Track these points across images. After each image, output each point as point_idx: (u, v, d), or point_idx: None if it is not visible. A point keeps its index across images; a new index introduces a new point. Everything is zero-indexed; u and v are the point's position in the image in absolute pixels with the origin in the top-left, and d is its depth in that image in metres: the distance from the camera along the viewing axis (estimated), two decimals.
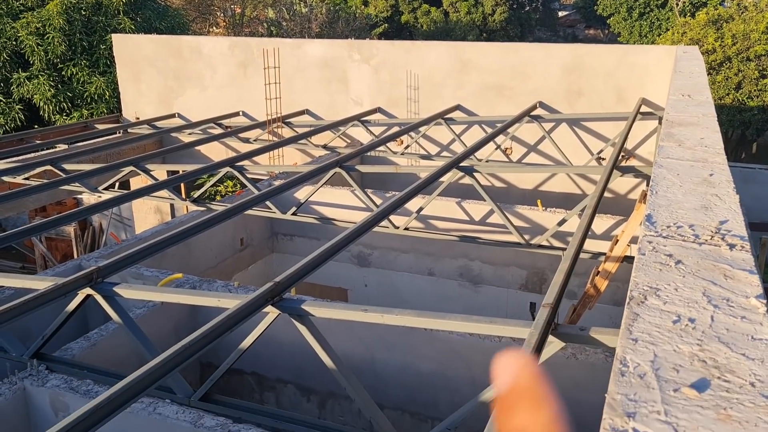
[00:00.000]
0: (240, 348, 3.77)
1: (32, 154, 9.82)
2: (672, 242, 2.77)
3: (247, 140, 10.70)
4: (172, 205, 11.74)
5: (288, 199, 8.29)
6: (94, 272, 4.07)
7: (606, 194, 7.26)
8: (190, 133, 11.31)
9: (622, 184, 9.82)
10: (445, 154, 10.91)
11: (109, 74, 14.67)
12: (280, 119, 11.09)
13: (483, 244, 7.00)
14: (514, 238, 6.38)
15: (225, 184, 13.00)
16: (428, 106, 10.94)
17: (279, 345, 5.44)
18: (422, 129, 10.38)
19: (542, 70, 10.27)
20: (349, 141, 11.46)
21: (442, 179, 6.47)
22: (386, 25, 32.52)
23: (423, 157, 10.13)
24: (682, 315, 2.02)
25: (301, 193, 8.57)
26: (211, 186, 9.73)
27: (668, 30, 27.79)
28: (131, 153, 10.88)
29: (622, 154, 7.76)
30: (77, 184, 7.20)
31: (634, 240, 4.84)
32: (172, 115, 12.71)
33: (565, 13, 50.67)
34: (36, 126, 13.90)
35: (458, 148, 10.26)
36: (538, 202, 8.29)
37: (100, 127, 12.10)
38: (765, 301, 2.16)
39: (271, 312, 3.60)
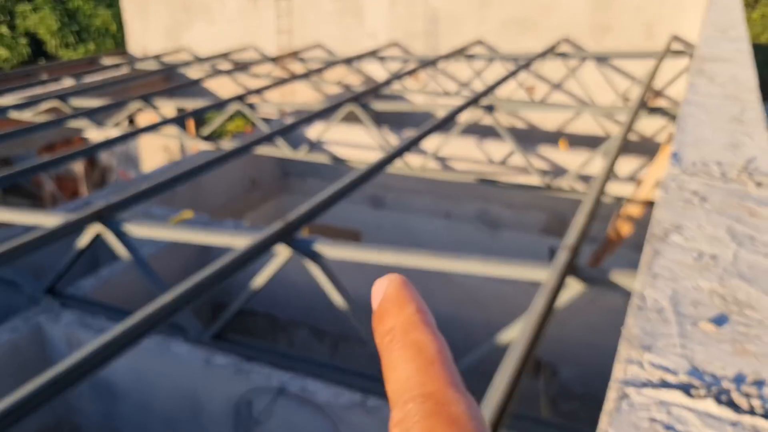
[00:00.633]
0: (252, 288, 3.73)
1: (39, 90, 9.67)
2: (697, 180, 2.69)
3: (257, 76, 10.47)
4: (180, 144, 11.63)
5: (299, 137, 8.15)
6: (103, 209, 4.01)
7: (631, 136, 7.07)
8: (198, 69, 11.08)
9: (648, 125, 9.53)
10: (464, 92, 10.64)
11: (115, 7, 14.33)
12: (291, 54, 10.82)
13: (502, 187, 6.86)
14: (535, 180, 6.24)
15: (235, 121, 12.83)
16: (447, 41, 10.59)
17: (291, 286, 5.43)
18: (441, 65, 10.09)
19: (568, 3, 9.85)
20: (363, 78, 11.19)
21: (460, 118, 6.29)
22: None
23: (441, 94, 9.87)
24: (704, 252, 1.99)
25: (313, 132, 8.42)
26: (221, 124, 9.58)
27: None
28: (139, 89, 10.69)
29: (649, 94, 7.50)
30: (85, 121, 7.09)
31: (658, 183, 4.70)
32: (180, 50, 12.44)
33: None
34: (42, 61, 13.68)
35: (478, 86, 9.99)
36: (561, 143, 8.08)
37: (107, 62, 11.88)
38: None
39: (283, 251, 3.53)
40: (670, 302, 1.70)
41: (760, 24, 19.25)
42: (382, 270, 4.81)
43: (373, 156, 7.47)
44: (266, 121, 7.67)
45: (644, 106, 5.73)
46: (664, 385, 1.39)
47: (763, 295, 1.75)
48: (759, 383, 1.41)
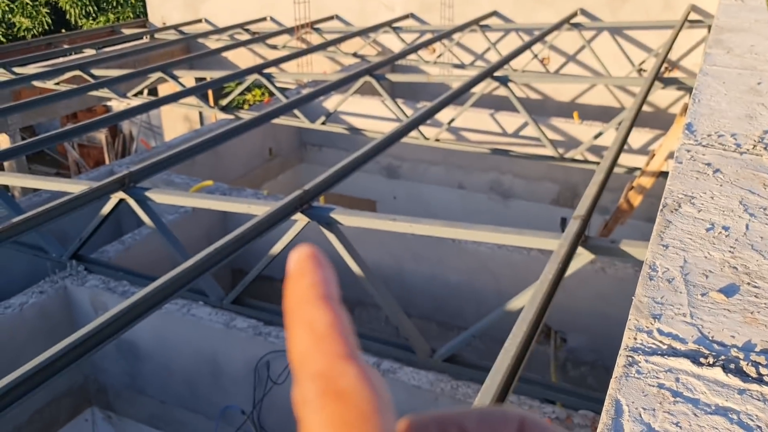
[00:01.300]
0: (270, 254, 3.82)
1: (61, 59, 9.77)
2: (711, 151, 2.69)
3: (274, 47, 10.47)
4: (200, 113, 11.71)
5: (317, 108, 8.19)
6: (126, 177, 4.11)
7: (646, 108, 7.01)
8: (217, 39, 11.10)
9: (663, 97, 9.43)
10: (479, 63, 10.56)
11: None
12: (308, 25, 10.79)
13: (515, 157, 6.87)
14: (548, 151, 6.24)
15: (253, 92, 12.87)
16: (463, 12, 10.49)
17: None
18: (456, 36, 10.01)
19: None
20: (379, 49, 11.15)
21: (475, 89, 6.29)
22: None
23: (456, 66, 9.82)
24: (716, 223, 2.01)
25: (330, 103, 8.45)
26: (239, 94, 9.64)
27: None
28: (158, 59, 10.75)
29: (665, 65, 7.41)
30: (106, 90, 7.18)
31: (672, 155, 4.70)
32: (199, 21, 12.44)
33: None
34: (63, 30, 13.77)
35: (493, 57, 9.91)
36: (575, 114, 8.03)
37: (127, 32, 11.94)
38: None
39: (300, 219, 3.61)
40: (680, 272, 1.72)
41: None
42: (396, 238, 4.90)
43: (389, 126, 7.50)
44: (284, 91, 7.71)
45: (659, 78, 5.68)
46: (673, 353, 1.41)
47: None
48: None
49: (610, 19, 9.73)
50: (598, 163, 4.08)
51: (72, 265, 4.56)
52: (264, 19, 11.90)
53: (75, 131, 5.61)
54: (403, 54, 8.10)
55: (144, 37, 11.76)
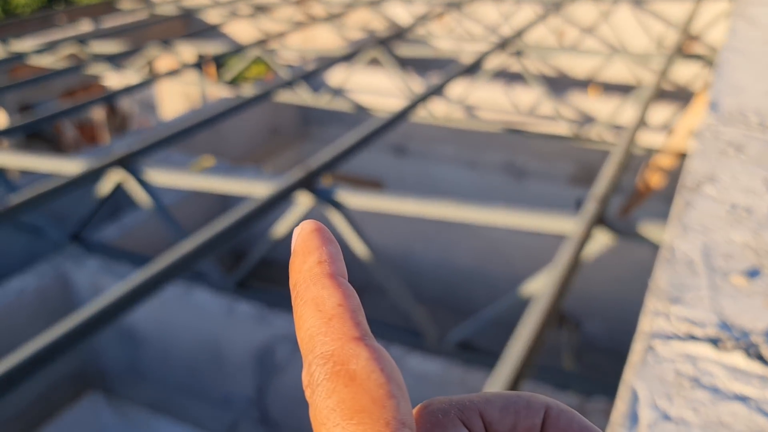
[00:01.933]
0: (273, 236, 3.71)
1: (58, 35, 9.60)
2: (734, 129, 2.62)
3: (277, 20, 10.27)
4: (201, 90, 11.54)
5: (321, 84, 8.02)
6: (125, 156, 4.00)
7: (665, 84, 6.83)
8: (217, 13, 10.90)
9: (683, 72, 9.20)
10: (491, 36, 10.34)
11: None
12: None
13: (529, 136, 6.71)
14: (563, 129, 6.08)
15: (255, 67, 12.70)
16: None
17: None
18: (467, 9, 9.78)
19: None
20: (387, 22, 10.91)
21: (486, 64, 6.11)
22: None
23: (467, 39, 9.59)
24: (737, 204, 1.95)
25: (335, 78, 8.27)
26: (241, 70, 9.47)
27: None
28: (157, 34, 10.56)
29: (685, 39, 7.19)
30: (104, 66, 7.03)
31: (692, 133, 4.55)
32: None
33: None
34: (61, 5, 13.55)
35: (506, 31, 9.70)
36: (591, 90, 7.84)
37: (125, 6, 11.74)
38: None
39: (304, 199, 3.49)
40: (700, 255, 1.68)
41: None
42: (404, 219, 4.78)
43: (397, 103, 7.34)
44: (287, 66, 7.54)
45: (679, 53, 5.51)
46: (691, 338, 1.38)
47: None
48: None
49: None
50: (615, 142, 3.94)
51: (71, 246, 4.47)
52: None
53: (73, 110, 5.49)
54: (412, 27, 7.90)
55: (142, 11, 11.56)
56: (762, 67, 3.45)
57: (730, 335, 1.38)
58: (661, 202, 6.33)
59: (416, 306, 3.50)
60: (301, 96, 7.05)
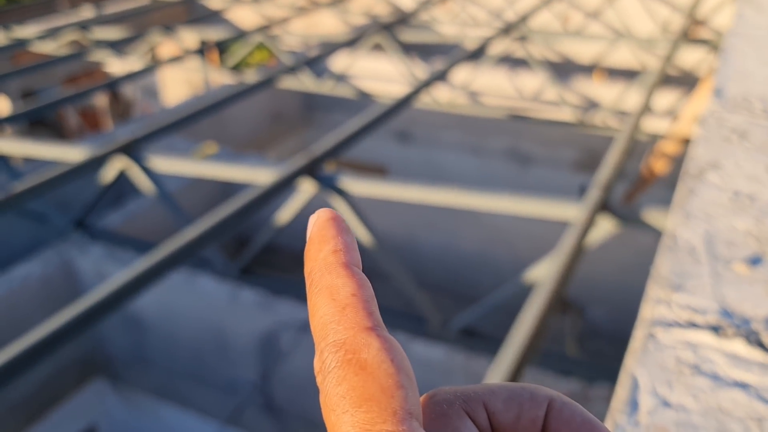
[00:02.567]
0: (277, 223, 3.72)
1: (59, 20, 9.57)
2: (738, 116, 2.61)
3: (280, 6, 10.22)
4: (203, 76, 11.51)
5: (324, 70, 7.99)
6: (128, 143, 4.00)
7: (670, 69, 6.78)
8: None
9: (688, 57, 9.14)
10: (495, 22, 10.27)
11: None
12: None
13: (533, 122, 6.68)
14: (568, 115, 6.06)
15: (257, 53, 12.65)
16: None
17: None
18: None
19: None
20: (390, 7, 10.85)
21: (491, 50, 6.08)
22: None
23: (471, 24, 9.53)
24: (740, 191, 1.95)
25: (339, 64, 8.24)
26: (244, 56, 9.43)
27: None
28: (160, 19, 10.52)
29: (691, 24, 7.13)
30: (107, 52, 7.01)
31: (697, 120, 4.52)
32: None
33: None
34: None
35: (510, 16, 9.64)
36: (595, 76, 7.80)
37: None
38: None
39: (307, 186, 3.49)
40: (702, 242, 1.68)
41: None
42: (408, 205, 4.79)
43: (400, 89, 7.31)
44: (290, 52, 7.51)
45: (685, 38, 5.47)
46: (693, 325, 1.38)
47: None
48: None
49: None
50: (619, 128, 3.92)
51: (75, 234, 4.48)
52: None
53: (76, 96, 5.49)
54: (416, 12, 7.85)
55: None
56: (767, 54, 3.43)
57: (731, 323, 1.39)
58: (666, 189, 6.32)
59: (420, 292, 3.51)
60: (304, 82, 7.03)
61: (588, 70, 9.73)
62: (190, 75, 11.57)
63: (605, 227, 3.16)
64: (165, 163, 3.97)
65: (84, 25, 7.73)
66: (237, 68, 8.87)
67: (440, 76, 4.99)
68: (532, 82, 7.70)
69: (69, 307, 2.36)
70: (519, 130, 8.04)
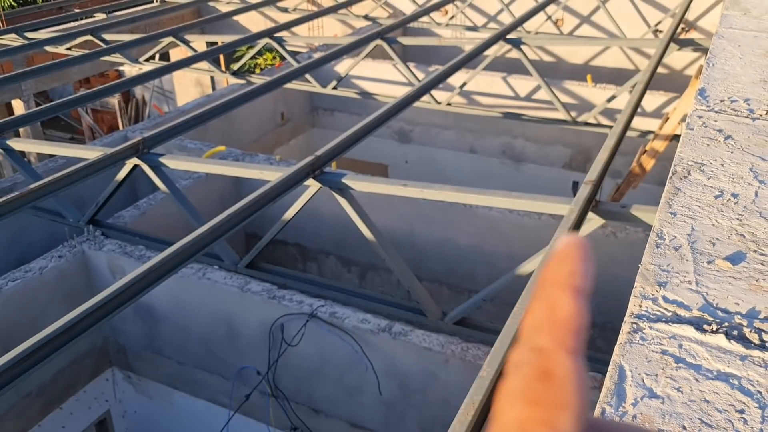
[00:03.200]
0: (283, 219, 3.87)
1: (72, 24, 9.76)
2: (724, 117, 2.68)
3: (285, 10, 10.38)
4: (212, 78, 11.68)
5: (328, 72, 8.14)
6: (140, 143, 4.15)
7: (661, 70, 6.89)
8: (228, 2, 11.02)
9: (679, 58, 9.27)
10: (491, 25, 10.42)
11: None
12: None
13: (527, 121, 6.84)
14: (561, 114, 6.19)
15: (264, 56, 12.79)
16: None
17: (321, 218, 5.58)
18: None
19: None
20: (391, 11, 11.00)
21: (487, 52, 6.22)
22: None
23: (468, 28, 9.69)
24: (725, 190, 2.02)
25: (342, 67, 8.40)
26: (251, 58, 9.60)
27: None
28: (169, 23, 10.70)
29: (681, 26, 7.25)
30: (118, 55, 7.18)
31: (686, 119, 4.65)
32: None
33: None
34: None
35: (506, 19, 9.77)
36: (588, 77, 7.94)
37: None
38: None
39: (313, 185, 3.65)
40: (687, 240, 1.74)
41: None
42: (407, 202, 4.93)
43: (400, 90, 7.46)
44: (295, 55, 7.67)
45: (675, 39, 5.59)
46: (677, 320, 1.44)
47: None
48: None
49: None
50: (611, 127, 4.06)
51: (89, 229, 4.64)
52: None
53: (89, 97, 5.64)
54: (415, 16, 8.01)
55: (154, 0, 11.68)
56: (753, 56, 3.52)
57: (714, 317, 1.43)
58: (655, 185, 6.46)
59: (419, 284, 3.64)
60: (309, 84, 7.19)
61: (581, 70, 9.86)
62: (200, 77, 11.73)
63: (596, 223, 3.29)
64: (176, 162, 4.13)
65: (96, 29, 7.90)
66: (244, 70, 9.03)
67: (438, 78, 5.13)
68: (527, 83, 7.83)
69: (86, 301, 2.48)
70: (514, 129, 8.19)
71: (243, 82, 7.51)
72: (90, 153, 4.21)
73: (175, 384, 4.79)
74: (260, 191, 3.36)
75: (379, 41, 6.86)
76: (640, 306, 1.51)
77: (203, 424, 4.70)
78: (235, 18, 10.99)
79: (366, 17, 10.18)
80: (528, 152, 8.32)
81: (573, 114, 6.35)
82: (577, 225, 3.06)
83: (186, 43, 7.53)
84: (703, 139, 2.55)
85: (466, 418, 1.68)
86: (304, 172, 3.60)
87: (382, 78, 8.49)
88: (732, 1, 4.37)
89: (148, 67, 7.16)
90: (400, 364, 3.75)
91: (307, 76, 6.86)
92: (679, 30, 6.02)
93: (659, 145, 4.69)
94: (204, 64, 7.18)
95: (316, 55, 7.16)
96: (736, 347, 1.35)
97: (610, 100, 6.17)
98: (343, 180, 3.60)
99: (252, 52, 8.06)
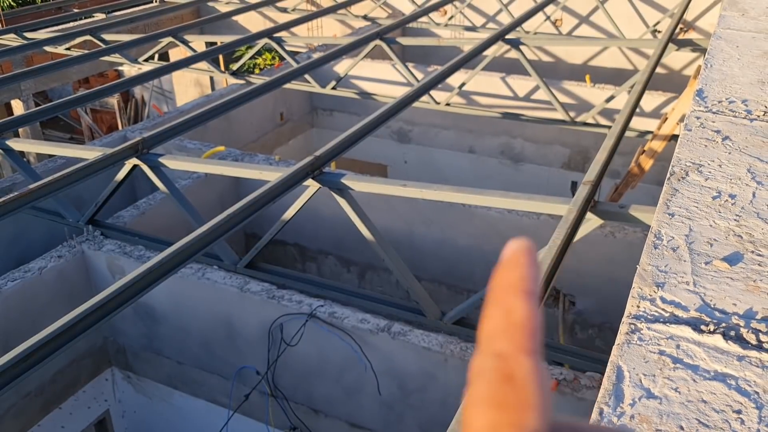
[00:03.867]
0: (282, 219, 3.87)
1: (71, 24, 9.76)
2: (722, 118, 2.68)
3: (284, 10, 10.38)
4: (211, 78, 11.68)
5: (327, 72, 8.15)
6: (139, 143, 4.15)
7: (660, 70, 6.90)
8: (227, 2, 11.03)
9: (677, 59, 9.29)
10: (490, 25, 10.43)
11: None
12: None
13: (526, 121, 6.85)
14: (559, 115, 6.20)
15: (263, 56, 12.80)
16: None
17: (320, 218, 5.59)
18: None
19: None
20: (390, 11, 11.01)
21: (486, 53, 6.23)
22: None
23: (467, 28, 9.70)
24: (723, 191, 2.02)
25: (341, 67, 8.40)
26: (250, 58, 9.61)
27: None
28: (168, 23, 10.70)
29: (680, 26, 7.26)
30: (117, 55, 7.18)
31: (684, 119, 4.66)
32: None
33: None
34: None
35: (505, 19, 9.79)
36: (587, 77, 7.96)
37: None
38: None
39: (312, 185, 3.65)
40: (685, 240, 1.74)
41: None
42: (406, 202, 4.94)
43: (400, 91, 7.46)
44: (294, 55, 7.68)
45: (674, 40, 5.61)
46: (675, 320, 1.44)
47: None
48: None
49: None
50: (609, 127, 4.07)
51: (88, 229, 4.64)
52: None
53: (88, 97, 5.64)
54: (414, 17, 8.02)
55: (154, 1, 11.68)
56: (750, 57, 3.53)
57: (712, 318, 1.44)
58: (653, 185, 6.47)
59: (418, 284, 3.64)
60: (309, 84, 7.19)
61: (580, 71, 9.87)
62: (199, 77, 11.74)
63: (594, 223, 3.29)
64: (175, 162, 4.13)
65: (95, 29, 7.90)
66: (243, 71, 9.04)
67: (438, 79, 5.14)
68: (525, 83, 7.85)
69: (86, 301, 2.48)
70: (512, 129, 8.21)
71: (242, 82, 7.51)
72: (89, 153, 4.21)
73: (175, 384, 4.79)
74: (259, 191, 3.36)
75: (378, 41, 6.87)
76: (638, 306, 1.51)
77: (203, 423, 4.70)
78: (235, 18, 11.00)
79: (365, 17, 10.19)
80: (527, 152, 8.34)
81: (572, 114, 6.36)
82: (576, 225, 3.06)
83: (185, 43, 7.54)
84: (701, 139, 2.55)
85: None
86: (303, 173, 3.61)
87: (382, 78, 8.50)
88: (730, 2, 4.37)
89: (147, 67, 7.16)
90: (399, 363, 3.75)
91: (307, 76, 6.87)
92: (677, 30, 6.03)
93: (658, 145, 4.70)
94: (203, 65, 7.18)
95: (316, 56, 7.17)
96: (734, 348, 1.36)
97: (608, 100, 6.19)
98: (343, 180, 3.61)
99: (251, 52, 8.07)
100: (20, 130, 9.37)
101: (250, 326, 4.19)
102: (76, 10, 10.38)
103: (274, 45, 7.31)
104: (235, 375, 4.34)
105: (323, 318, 3.86)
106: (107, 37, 7.89)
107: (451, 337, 3.64)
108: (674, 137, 4.84)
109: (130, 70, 11.12)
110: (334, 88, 7.28)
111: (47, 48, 7.72)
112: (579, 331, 4.98)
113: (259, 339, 4.14)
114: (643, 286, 1.59)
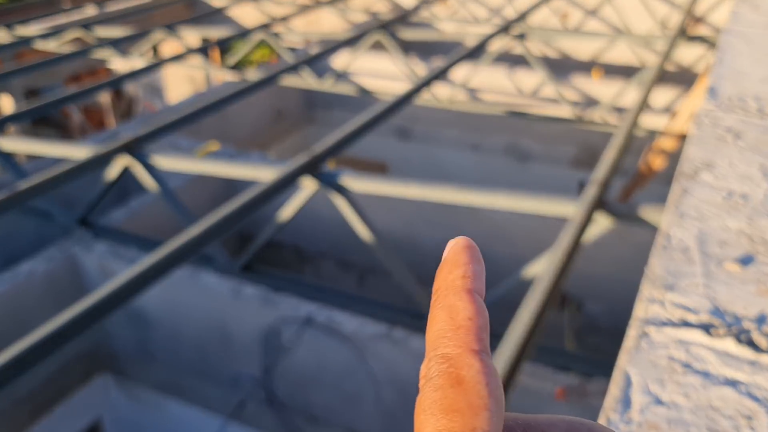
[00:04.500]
0: (278, 220, 3.76)
1: (62, 19, 9.61)
2: (733, 116, 2.62)
3: (281, 3, 10.25)
4: (206, 74, 11.55)
5: (325, 68, 8.03)
6: (131, 141, 4.04)
7: (669, 66, 6.80)
8: None
9: (687, 54, 9.16)
10: (494, 19, 10.30)
11: None
12: None
13: (532, 119, 6.72)
14: (566, 112, 6.09)
15: (259, 51, 12.67)
16: None
17: (319, 219, 5.48)
18: None
19: None
20: (390, 4, 10.87)
21: (490, 47, 6.11)
22: None
23: (470, 22, 9.57)
24: (734, 191, 1.96)
25: (339, 62, 8.27)
26: (246, 54, 9.47)
27: None
28: (162, 17, 10.56)
29: (689, 20, 7.13)
30: (109, 51, 7.05)
31: (693, 116, 4.55)
32: None
33: None
34: None
35: (510, 13, 9.67)
36: (594, 73, 7.84)
37: None
38: None
39: (309, 184, 3.54)
40: (695, 242, 1.69)
41: None
42: (408, 202, 4.83)
43: (401, 86, 7.34)
44: (291, 50, 7.54)
45: (683, 34, 5.49)
46: (685, 324, 1.40)
47: None
48: None
49: None
50: (617, 125, 3.96)
51: (79, 231, 4.53)
52: None
53: (80, 94, 5.52)
54: (416, 9, 7.88)
55: None
56: (762, 53, 3.45)
57: (722, 321, 1.41)
58: (663, 185, 6.35)
59: (420, 287, 3.55)
60: (306, 80, 7.07)
61: (586, 67, 9.75)
62: (193, 73, 11.61)
63: (602, 224, 3.19)
64: (168, 161, 4.01)
65: (87, 24, 7.77)
66: (239, 66, 8.91)
67: (440, 74, 5.03)
68: (531, 79, 7.73)
69: (76, 303, 2.40)
70: (518, 126, 8.08)
71: (238, 78, 7.38)
72: (80, 152, 4.09)
73: (168, 390, 4.70)
74: (253, 191, 3.24)
75: (378, 35, 6.75)
76: (647, 310, 1.47)
77: (196, 430, 4.61)
78: (230, 12, 10.87)
79: (365, 12, 10.05)
80: (533, 150, 8.21)
81: (579, 110, 6.24)
82: (584, 226, 2.98)
83: (179, 38, 7.40)
84: (711, 138, 2.49)
85: None
86: (300, 171, 3.49)
87: (382, 74, 8.37)
88: None
89: (139, 63, 7.02)
90: (399, 370, 3.66)
91: (304, 71, 6.75)
92: (687, 25, 5.91)
93: (668, 144, 4.59)
94: (197, 60, 7.06)
95: (313, 51, 7.04)
96: (745, 352, 1.33)
97: (617, 97, 6.07)
98: (341, 179, 3.50)
99: (247, 47, 7.94)
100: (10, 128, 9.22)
101: (246, 330, 4.09)
102: (67, 5, 10.23)
103: (270, 40, 7.18)
104: (230, 381, 4.25)
105: (321, 322, 3.75)
106: (99, 32, 7.76)
107: None
108: (685, 135, 4.73)
109: (122, 66, 10.97)
110: (332, 83, 7.15)
111: (38, 44, 7.58)
112: (587, 335, 4.89)
113: (254, 344, 4.04)
114: (652, 288, 1.55)
